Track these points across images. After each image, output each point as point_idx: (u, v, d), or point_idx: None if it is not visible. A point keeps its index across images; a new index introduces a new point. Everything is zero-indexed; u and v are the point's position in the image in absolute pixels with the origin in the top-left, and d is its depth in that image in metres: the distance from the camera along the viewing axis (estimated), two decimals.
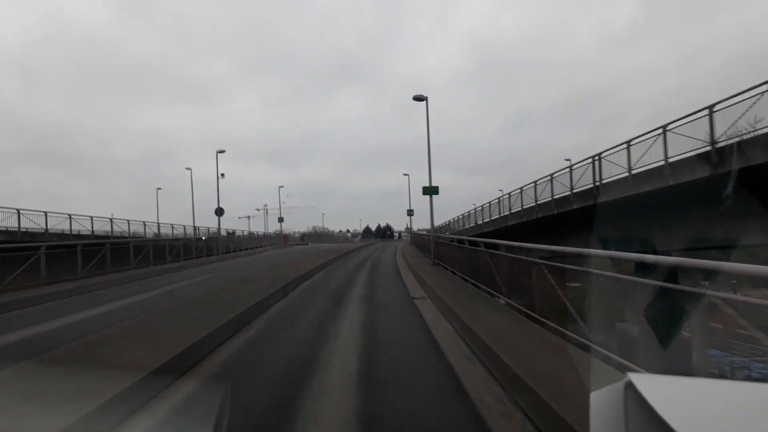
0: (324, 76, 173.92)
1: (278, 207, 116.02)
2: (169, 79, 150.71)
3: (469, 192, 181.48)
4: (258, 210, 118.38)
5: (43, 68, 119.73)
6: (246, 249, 37.75)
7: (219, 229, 32.95)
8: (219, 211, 31.97)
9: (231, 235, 42.08)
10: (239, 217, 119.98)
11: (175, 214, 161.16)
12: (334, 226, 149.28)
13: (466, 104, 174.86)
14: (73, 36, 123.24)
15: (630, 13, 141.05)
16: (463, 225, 42.30)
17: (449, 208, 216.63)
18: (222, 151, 31.56)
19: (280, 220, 53.66)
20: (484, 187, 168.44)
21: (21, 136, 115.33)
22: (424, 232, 44.53)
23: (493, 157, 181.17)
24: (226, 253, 31.75)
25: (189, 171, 39.51)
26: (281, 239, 54.32)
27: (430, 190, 19.91)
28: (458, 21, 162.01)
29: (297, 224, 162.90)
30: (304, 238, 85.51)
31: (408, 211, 40.72)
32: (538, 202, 23.93)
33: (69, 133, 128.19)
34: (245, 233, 48.21)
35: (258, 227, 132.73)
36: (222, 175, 34.37)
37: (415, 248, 33.07)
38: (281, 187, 56.96)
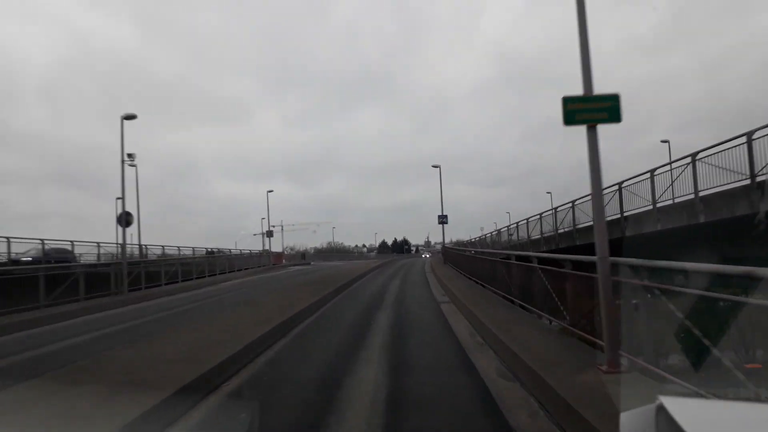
0: (344, 91, 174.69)
1: (280, 221, 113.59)
2: (191, 99, 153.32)
3: (486, 204, 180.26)
4: (273, 227, 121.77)
5: (69, 90, 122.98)
6: (205, 275, 26.23)
7: (122, 244, 19.76)
8: (123, 219, 19.51)
9: (211, 254, 32.74)
10: (254, 234, 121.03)
11: (190, 233, 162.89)
12: (350, 242, 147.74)
13: (487, 116, 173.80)
14: (100, 58, 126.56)
15: (657, 18, 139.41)
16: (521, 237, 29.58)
17: (465, 222, 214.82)
18: (132, 117, 20.20)
19: (269, 234, 44.64)
20: (503, 199, 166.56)
21: (47, 158, 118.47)
22: (451, 246, 37.85)
23: (513, 168, 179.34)
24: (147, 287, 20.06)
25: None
26: (271, 259, 44.51)
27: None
28: (481, 32, 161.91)
29: (311, 240, 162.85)
30: (305, 256, 75.91)
31: (440, 218, 31.30)
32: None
33: (93, 154, 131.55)
34: (232, 252, 39.26)
35: (274, 244, 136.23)
36: (129, 155, 23.82)
37: (453, 270, 24.02)
38: (270, 191, 48.05)
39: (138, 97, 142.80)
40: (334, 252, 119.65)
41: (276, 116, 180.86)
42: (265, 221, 47.69)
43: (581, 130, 5.12)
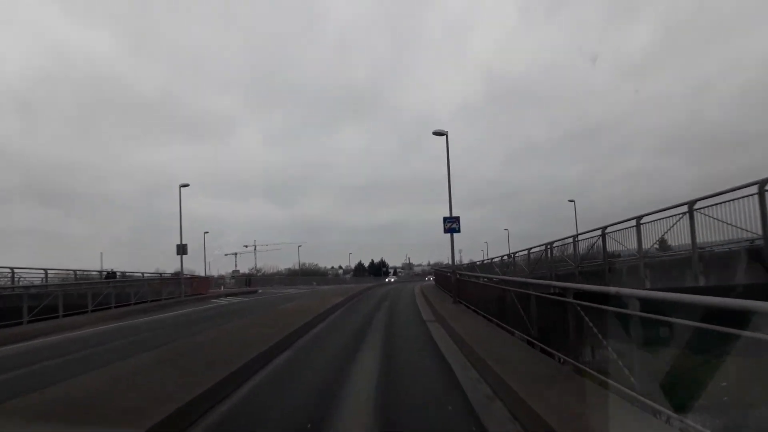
0: (329, 109, 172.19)
1: (253, 241, 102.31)
2: (171, 115, 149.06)
3: (466, 225, 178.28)
4: (246, 247, 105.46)
5: (43, 103, 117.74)
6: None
7: None
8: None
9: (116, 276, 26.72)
10: (225, 254, 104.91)
11: (162, 253, 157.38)
12: (327, 263, 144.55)
13: (472, 137, 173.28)
14: (76, 71, 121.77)
15: (646, 40, 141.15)
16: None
17: (443, 243, 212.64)
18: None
19: (182, 250, 30.30)
20: (482, 221, 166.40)
21: (18, 173, 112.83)
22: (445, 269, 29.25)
23: (494, 189, 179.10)
24: None
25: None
26: (192, 286, 31.78)
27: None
28: (470, 52, 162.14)
29: (284, 261, 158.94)
30: (250, 282, 58.99)
31: (447, 222, 20.14)
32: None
33: (67, 170, 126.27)
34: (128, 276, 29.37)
35: (246, 265, 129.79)
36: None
37: (482, 320, 12.66)
38: (185, 185, 33.68)
39: (116, 112, 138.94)
40: (305, 274, 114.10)
41: (258, 134, 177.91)
42: (261, 243, 43.22)
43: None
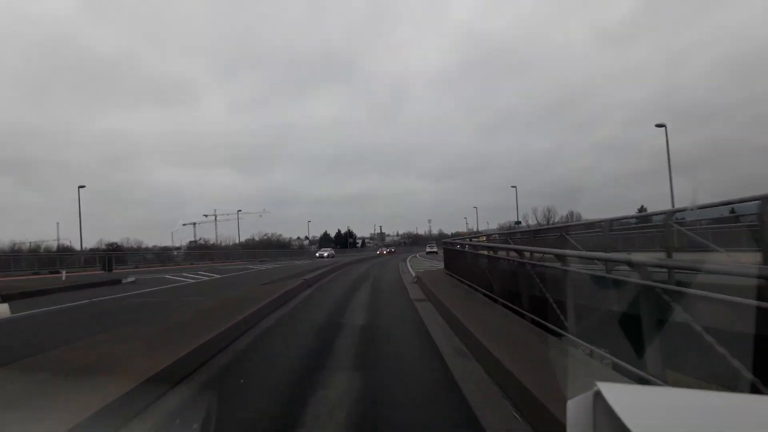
0: (300, 75, 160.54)
1: (213, 210, 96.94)
2: (134, 80, 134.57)
3: (436, 197, 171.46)
4: (206, 216, 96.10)
5: None
6: None
7: None
8: None
9: None
10: (183, 224, 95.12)
11: (123, 225, 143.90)
12: (293, 233, 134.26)
13: (447, 106, 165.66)
14: (26, 29, 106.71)
15: (628, 9, 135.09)
16: None
17: (416, 216, 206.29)
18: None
19: None
20: (452, 194, 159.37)
21: None
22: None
23: (465, 161, 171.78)
24: None
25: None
26: None
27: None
28: (449, 16, 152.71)
29: (245, 231, 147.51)
30: (111, 264, 34.37)
31: None
32: None
33: (21, 137, 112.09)
34: None
35: (206, 233, 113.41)
36: None
37: None
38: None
39: (71, 74, 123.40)
40: (266, 246, 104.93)
41: (225, 100, 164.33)
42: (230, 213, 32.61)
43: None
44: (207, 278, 21.90)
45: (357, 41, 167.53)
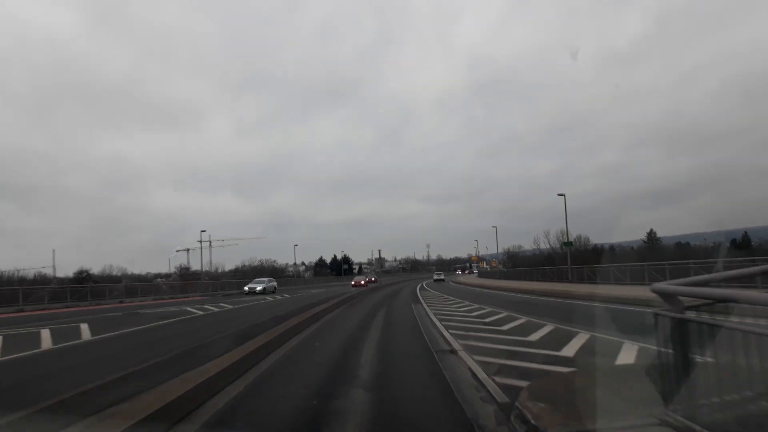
0: (307, 98, 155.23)
1: (209, 236, 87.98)
2: (138, 102, 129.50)
3: (436, 222, 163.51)
4: (199, 242, 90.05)
5: None
6: None
7: None
8: None
9: None
10: (177, 250, 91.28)
11: (123, 250, 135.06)
12: (289, 259, 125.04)
13: (451, 129, 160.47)
14: (34, 52, 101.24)
15: (634, 32, 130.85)
16: None
17: (414, 241, 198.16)
18: None
19: None
20: (452, 219, 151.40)
21: None
22: None
23: (467, 185, 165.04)
24: None
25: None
26: None
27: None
28: (456, 39, 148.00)
29: (240, 257, 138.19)
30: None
31: None
32: None
33: (23, 162, 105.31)
34: None
35: (198, 261, 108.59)
36: None
37: None
38: None
39: (78, 97, 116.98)
40: (258, 273, 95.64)
41: (229, 123, 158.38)
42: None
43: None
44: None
45: (364, 64, 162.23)
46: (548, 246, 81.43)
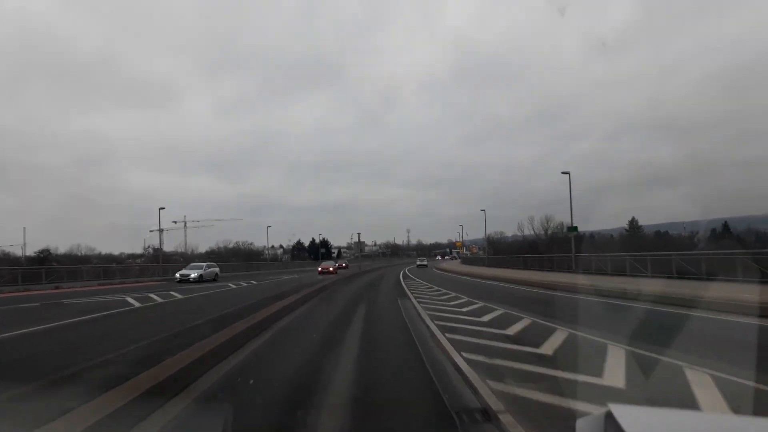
0: (288, 79, 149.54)
1: (183, 217, 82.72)
2: (113, 79, 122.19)
3: (417, 207, 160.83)
4: (175, 223, 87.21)
5: None
6: None
7: None
8: None
9: None
10: (150, 231, 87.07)
11: (95, 230, 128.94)
12: (269, 241, 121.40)
13: (434, 114, 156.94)
14: (4, 25, 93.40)
15: (621, 20, 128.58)
16: None
17: (395, 226, 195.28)
18: None
19: None
20: (433, 204, 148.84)
21: None
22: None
23: (449, 171, 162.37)
24: None
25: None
26: None
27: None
28: (442, 22, 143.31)
29: (216, 239, 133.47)
30: None
31: None
32: None
33: None
34: None
35: (174, 242, 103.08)
36: None
37: None
38: None
39: (49, 71, 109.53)
40: (234, 255, 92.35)
41: (208, 102, 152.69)
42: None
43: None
44: None
45: (347, 44, 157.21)
46: (532, 232, 79.55)
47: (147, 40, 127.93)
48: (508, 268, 40.15)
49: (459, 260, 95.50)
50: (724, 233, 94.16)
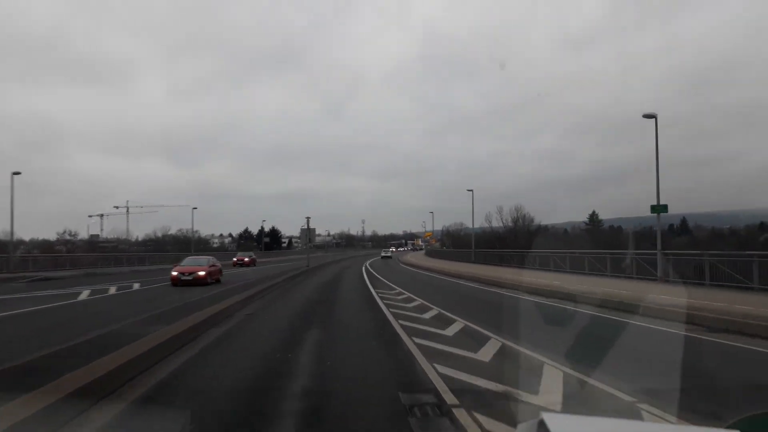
0: (251, 63, 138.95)
1: (126, 202, 73.59)
2: (63, 57, 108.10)
3: (373, 199, 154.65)
4: (117, 208, 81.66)
5: None
6: None
7: None
8: None
9: None
10: (89, 216, 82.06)
11: (37, 217, 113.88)
12: (222, 230, 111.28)
13: (399, 104, 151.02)
14: None
15: (589, 16, 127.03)
16: None
17: (350, 217, 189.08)
18: None
19: None
20: (389, 195, 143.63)
21: None
22: None
23: (409, 163, 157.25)
24: None
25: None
26: None
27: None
28: (412, 10, 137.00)
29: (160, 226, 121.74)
30: None
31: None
32: None
33: None
34: None
35: (122, 226, 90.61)
36: None
37: None
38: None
39: None
40: (175, 243, 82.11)
41: (163, 84, 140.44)
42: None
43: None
44: None
45: (314, 29, 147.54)
46: (501, 224, 73.57)
47: (102, 19, 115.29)
48: (490, 265, 32.71)
49: (423, 252, 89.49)
50: (682, 228, 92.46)
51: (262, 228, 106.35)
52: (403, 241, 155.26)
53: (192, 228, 79.61)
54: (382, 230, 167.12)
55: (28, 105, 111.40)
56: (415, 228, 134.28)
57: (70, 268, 32.63)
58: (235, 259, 43.14)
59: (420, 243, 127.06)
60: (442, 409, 4.54)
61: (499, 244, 51.87)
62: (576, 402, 4.88)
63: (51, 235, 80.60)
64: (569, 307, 12.65)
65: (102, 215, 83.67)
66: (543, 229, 72.24)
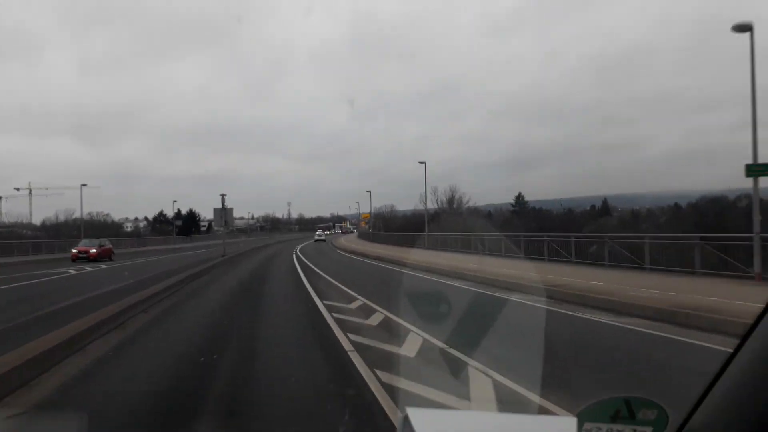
0: (169, 37, 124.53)
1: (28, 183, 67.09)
2: None
3: (299, 181, 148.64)
4: (17, 189, 73.58)
5: None
6: None
7: None
8: None
9: None
10: None
11: None
12: (136, 213, 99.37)
13: (326, 85, 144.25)
14: None
15: (512, 6, 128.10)
16: None
17: (276, 199, 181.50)
18: None
19: None
20: (315, 178, 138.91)
21: None
22: None
23: (337, 144, 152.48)
24: None
25: None
26: None
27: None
28: None
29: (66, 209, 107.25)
30: None
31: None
32: None
33: None
34: None
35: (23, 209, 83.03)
36: None
37: None
38: None
39: None
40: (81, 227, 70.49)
41: (71, 57, 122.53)
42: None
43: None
44: None
45: (239, 3, 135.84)
46: (436, 205, 70.23)
47: None
48: (446, 251, 27.42)
49: (356, 235, 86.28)
50: (603, 210, 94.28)
51: (179, 210, 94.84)
52: (332, 224, 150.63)
53: (95, 210, 69.59)
54: (309, 213, 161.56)
55: None
56: (342, 211, 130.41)
57: None
58: (75, 251, 28.49)
59: (348, 226, 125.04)
60: None
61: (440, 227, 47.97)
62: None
63: None
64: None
65: (0, 197, 74.42)
66: (475, 211, 70.88)
